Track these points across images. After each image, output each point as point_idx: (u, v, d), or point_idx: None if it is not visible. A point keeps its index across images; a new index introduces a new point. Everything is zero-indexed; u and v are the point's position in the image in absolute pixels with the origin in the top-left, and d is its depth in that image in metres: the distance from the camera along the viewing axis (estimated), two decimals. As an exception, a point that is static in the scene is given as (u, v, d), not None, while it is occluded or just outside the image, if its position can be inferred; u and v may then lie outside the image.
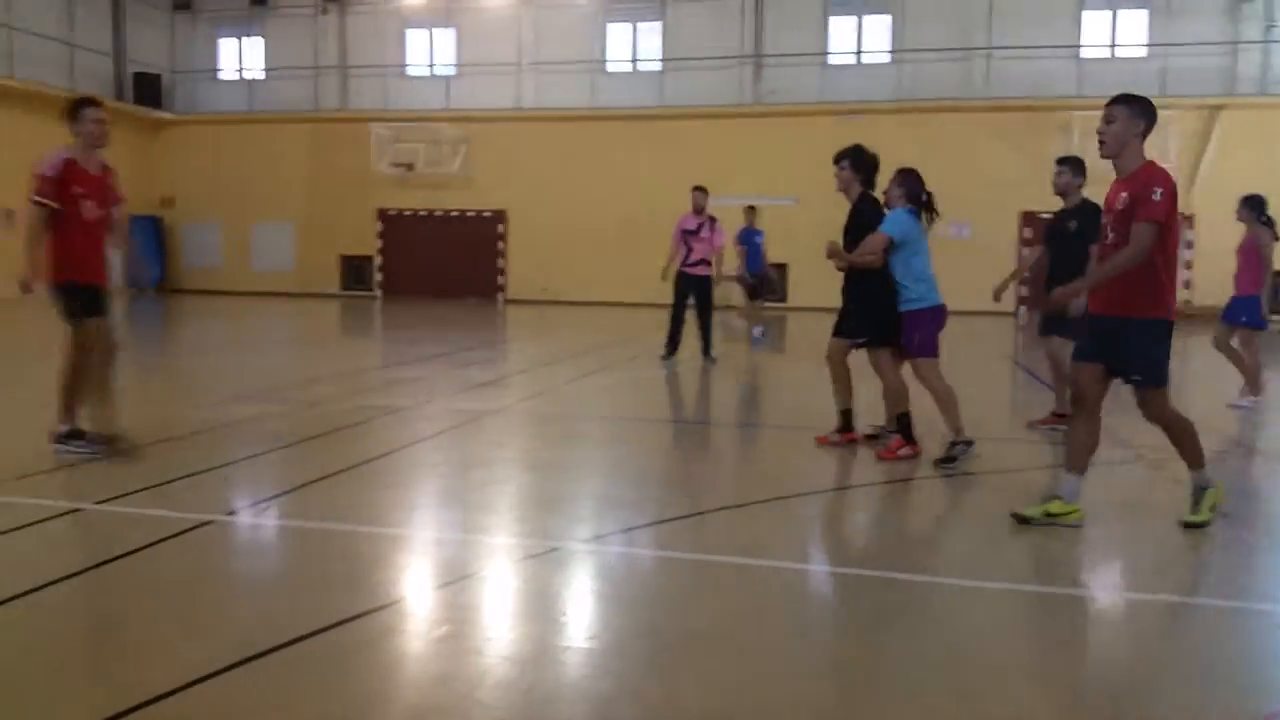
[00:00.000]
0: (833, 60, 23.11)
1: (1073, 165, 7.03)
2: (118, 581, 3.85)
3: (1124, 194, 4.49)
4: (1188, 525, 4.62)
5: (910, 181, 6.30)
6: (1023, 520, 4.64)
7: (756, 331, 14.15)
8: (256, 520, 4.80)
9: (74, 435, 5.81)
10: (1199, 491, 4.65)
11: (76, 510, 4.70)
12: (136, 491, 4.97)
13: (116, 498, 4.86)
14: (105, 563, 3.99)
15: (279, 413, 7.54)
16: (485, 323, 18.86)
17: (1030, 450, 6.78)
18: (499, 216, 24.59)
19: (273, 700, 2.83)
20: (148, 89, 25.40)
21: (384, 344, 13.41)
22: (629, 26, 24.26)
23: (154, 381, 9.98)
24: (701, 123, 23.00)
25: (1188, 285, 21.34)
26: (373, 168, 24.22)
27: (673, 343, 10.82)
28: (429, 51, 25.34)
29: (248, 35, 26.18)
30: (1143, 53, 21.59)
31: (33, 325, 11.38)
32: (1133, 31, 21.80)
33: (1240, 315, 8.73)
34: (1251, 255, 8.64)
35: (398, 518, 4.92)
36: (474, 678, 3.02)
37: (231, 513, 4.88)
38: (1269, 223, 8.67)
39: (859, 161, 6.57)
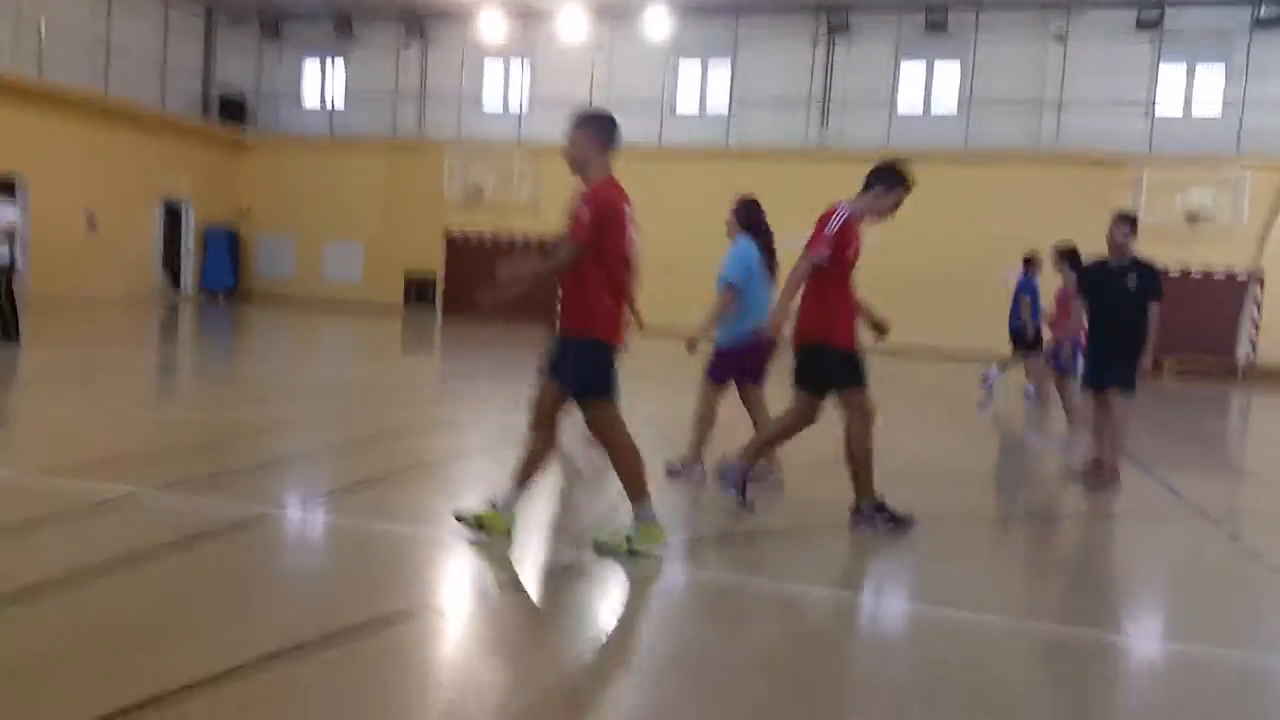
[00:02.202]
0: (901, 109, 23.18)
1: (1132, 222, 7.00)
2: (176, 567, 4.06)
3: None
4: (597, 545, 4.47)
5: (746, 212, 6.33)
6: (603, 549, 4.45)
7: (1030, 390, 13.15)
8: (308, 514, 5.01)
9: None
10: (636, 523, 4.47)
11: (131, 494, 4.95)
12: (193, 481, 5.21)
13: (174, 484, 5.11)
14: (157, 548, 4.19)
15: (336, 415, 7.79)
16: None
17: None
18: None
19: (326, 689, 2.98)
20: (233, 109, 26.53)
21: (444, 359, 13.74)
22: (699, 63, 24.65)
23: (224, 384, 10.35)
24: (768, 164, 23.18)
25: (1254, 344, 20.88)
26: (443, 192, 24.88)
27: None
28: (504, 84, 26.01)
29: (332, 58, 27.15)
30: (1217, 111, 21.30)
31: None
32: (1209, 89, 21.53)
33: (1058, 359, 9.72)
34: (1065, 303, 9.45)
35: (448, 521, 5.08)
36: (507, 686, 3.13)
37: (284, 507, 5.09)
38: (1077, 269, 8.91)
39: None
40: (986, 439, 9.92)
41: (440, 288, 25.61)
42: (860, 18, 23.04)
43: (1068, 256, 9.50)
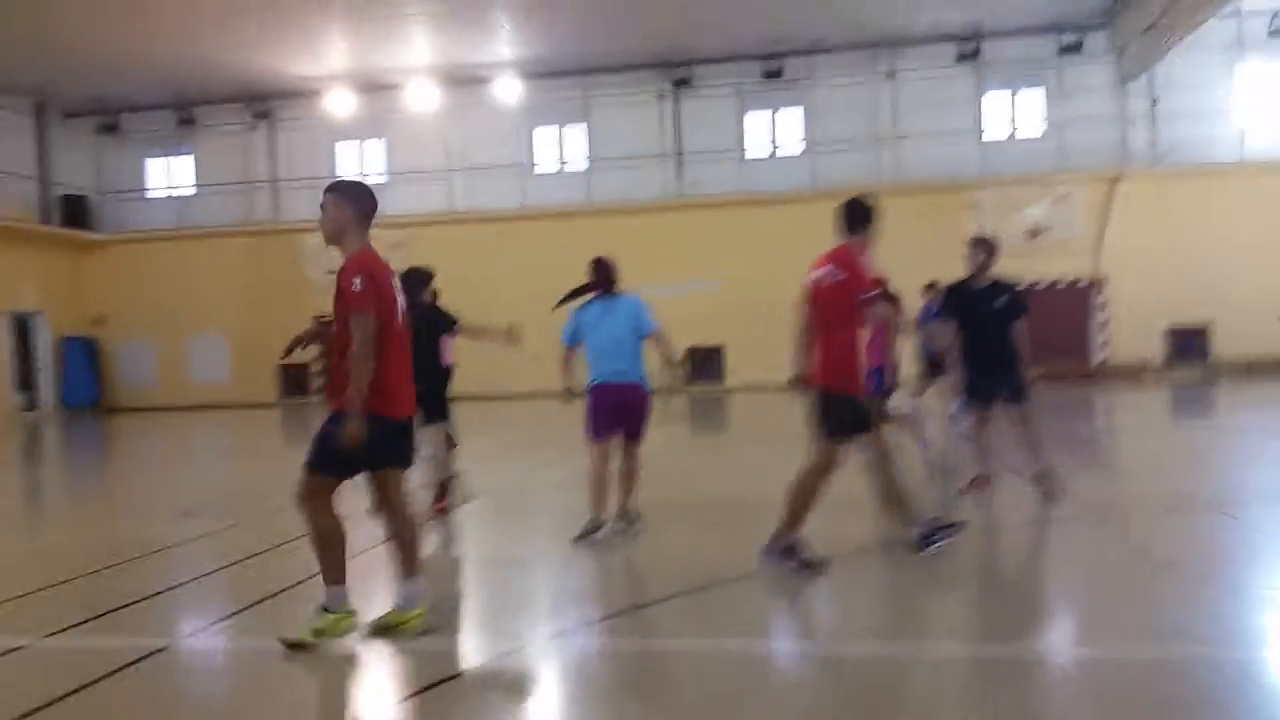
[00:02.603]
0: (749, 155, 24.05)
1: (987, 245, 7.45)
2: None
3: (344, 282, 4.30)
4: (379, 627, 4.42)
5: (597, 270, 6.87)
6: (295, 646, 4.27)
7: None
8: (210, 644, 4.78)
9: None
10: (404, 602, 4.47)
11: (17, 649, 4.59)
12: (85, 622, 4.91)
13: (64, 630, 4.80)
14: (55, 701, 3.88)
15: (224, 529, 7.47)
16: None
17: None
18: (435, 318, 24.70)
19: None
20: (75, 211, 25.35)
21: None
22: (555, 129, 25.02)
23: (96, 502, 9.78)
24: (628, 218, 23.62)
25: (1105, 345, 22.34)
26: (307, 276, 24.28)
27: None
28: (359, 159, 25.77)
29: (176, 155, 26.36)
30: (1039, 132, 22.90)
31: None
32: (1030, 112, 23.16)
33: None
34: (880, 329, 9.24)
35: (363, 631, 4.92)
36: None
37: (186, 636, 4.85)
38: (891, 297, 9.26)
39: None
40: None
41: (317, 371, 24.90)
42: (702, 70, 23.89)
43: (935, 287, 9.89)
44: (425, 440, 6.84)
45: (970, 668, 4.04)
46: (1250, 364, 20.69)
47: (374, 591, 5.05)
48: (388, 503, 4.53)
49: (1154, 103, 22.20)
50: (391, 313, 4.38)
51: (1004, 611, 4.90)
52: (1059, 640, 4.52)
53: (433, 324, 7.28)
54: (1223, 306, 21.08)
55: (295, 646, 4.27)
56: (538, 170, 24.97)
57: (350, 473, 4.40)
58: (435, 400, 7.05)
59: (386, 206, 26.77)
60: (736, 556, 5.65)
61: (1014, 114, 23.27)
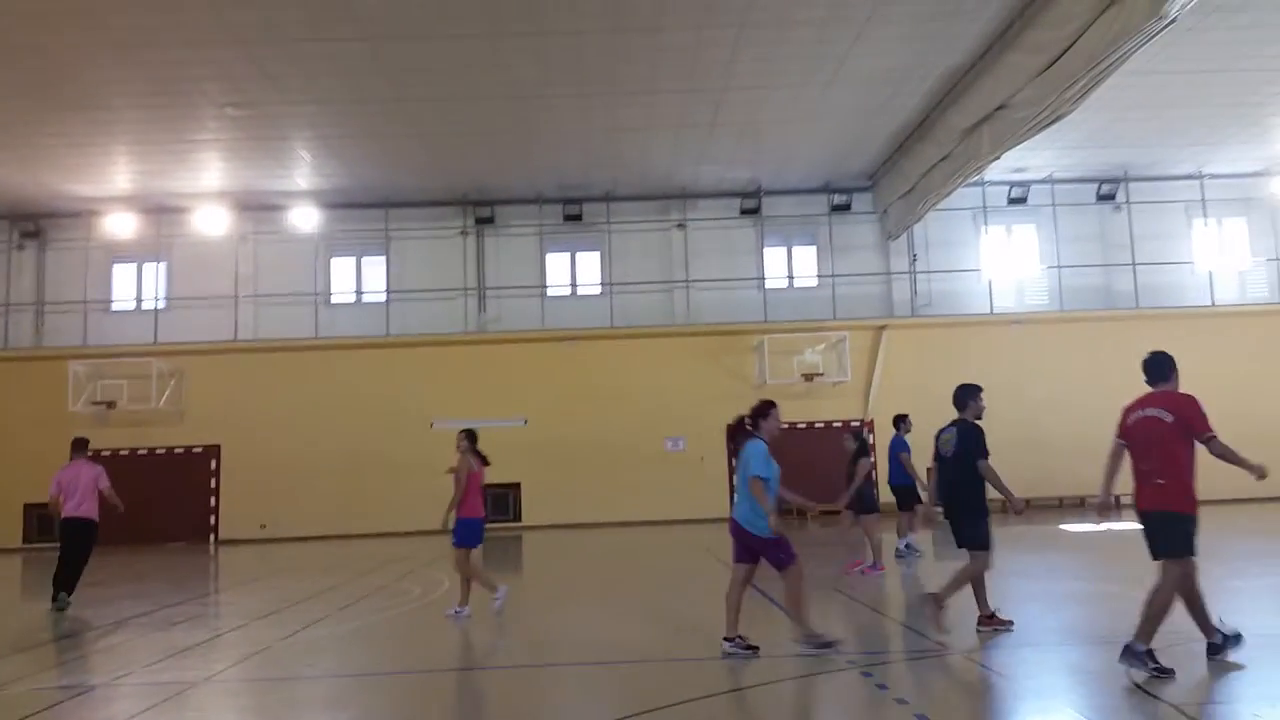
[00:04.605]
0: (551, 292, 24.64)
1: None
2: None
3: None
4: None
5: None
6: None
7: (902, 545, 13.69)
8: None
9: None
10: None
11: None
12: None
13: None
14: None
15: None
16: (195, 571, 17.54)
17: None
18: (212, 451, 23.36)
19: None
20: None
21: (73, 607, 12.06)
22: (353, 260, 24.76)
23: None
24: (427, 350, 23.49)
25: (871, 479, 23.74)
26: (68, 408, 22.48)
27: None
28: (137, 283, 24.48)
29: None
30: (814, 283, 24.78)
31: None
32: (805, 264, 25.08)
33: (462, 538, 9.74)
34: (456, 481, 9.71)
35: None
36: None
37: None
38: (480, 455, 9.88)
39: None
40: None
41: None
42: (505, 210, 24.50)
43: (470, 438, 9.92)
44: None
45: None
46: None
47: None
48: None
49: (913, 258, 24.56)
50: None
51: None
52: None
53: None
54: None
55: None
56: (335, 300, 24.51)
57: None
58: None
59: (164, 334, 25.75)
60: None
61: (791, 266, 25.09)
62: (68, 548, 11.95)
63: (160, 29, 15.04)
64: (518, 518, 22.95)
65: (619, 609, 10.55)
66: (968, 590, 7.80)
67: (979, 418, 8.03)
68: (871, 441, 23.27)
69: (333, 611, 10.73)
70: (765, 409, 7.46)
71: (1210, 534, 6.84)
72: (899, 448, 13.53)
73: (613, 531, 21.22)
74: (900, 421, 13.82)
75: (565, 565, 16.10)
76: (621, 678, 7.04)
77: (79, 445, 12.52)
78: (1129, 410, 6.58)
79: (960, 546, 7.87)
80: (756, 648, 7.13)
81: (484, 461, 9.93)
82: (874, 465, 12.90)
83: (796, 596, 7.22)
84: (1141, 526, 6.39)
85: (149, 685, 7.26)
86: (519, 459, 22.76)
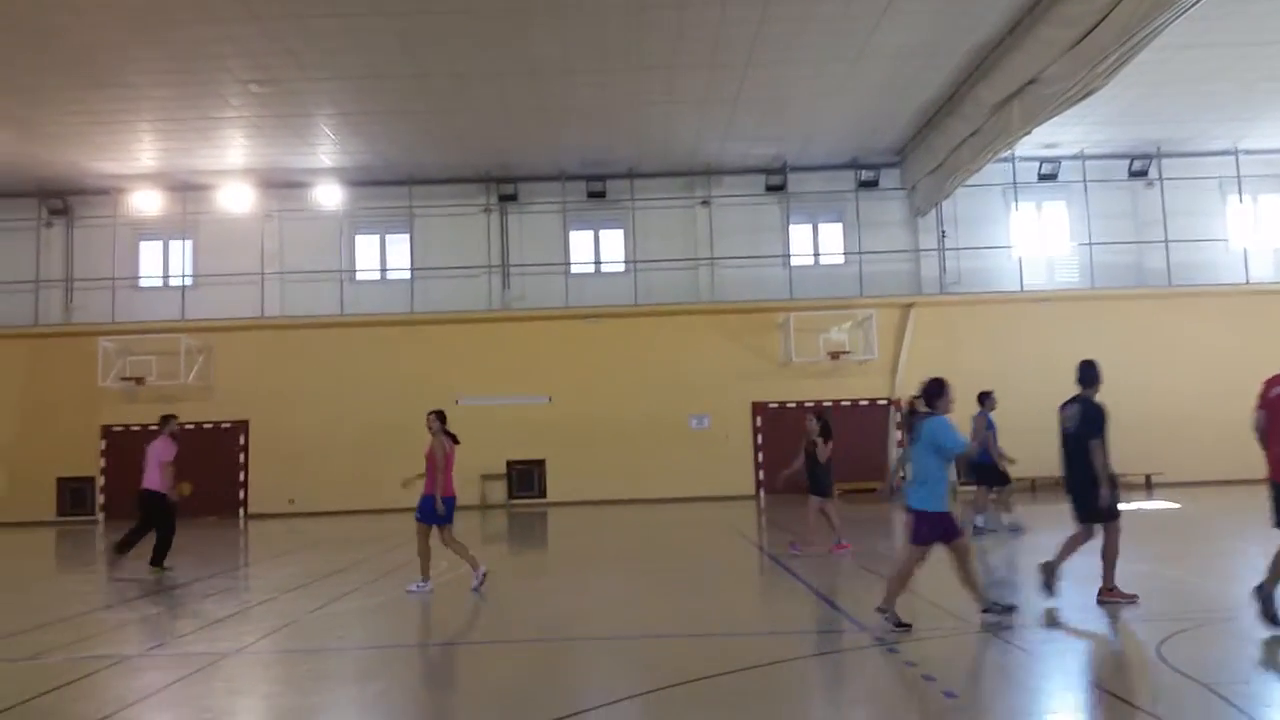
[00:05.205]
0: (575, 270, 24.60)
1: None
2: None
3: None
4: None
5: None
6: None
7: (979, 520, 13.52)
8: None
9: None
10: None
11: None
12: None
13: None
14: None
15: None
16: (225, 545, 17.74)
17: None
18: (240, 427, 23.59)
19: None
20: None
21: (106, 579, 12.26)
22: (377, 238, 24.82)
23: None
24: (451, 328, 23.55)
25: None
26: (98, 383, 22.76)
27: None
28: (163, 260, 24.69)
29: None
30: (840, 260, 24.58)
31: None
32: (831, 241, 24.87)
33: (430, 515, 9.91)
34: (430, 461, 9.90)
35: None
36: None
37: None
38: (451, 435, 10.06)
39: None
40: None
41: (100, 492, 23.10)
42: (528, 187, 24.44)
43: (440, 417, 10.14)
44: None
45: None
46: (1034, 481, 21.63)
47: None
48: None
49: (942, 235, 24.29)
50: None
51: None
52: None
53: None
54: (1004, 426, 22.75)
55: None
56: (359, 277, 24.61)
57: None
58: None
59: (191, 311, 25.91)
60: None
61: (817, 243, 24.90)
62: (140, 518, 12.80)
63: (181, 6, 15.07)
64: (543, 494, 23.04)
65: (646, 583, 10.58)
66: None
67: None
68: (897, 420, 23.33)
69: (361, 585, 10.83)
70: (939, 387, 7.46)
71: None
72: (986, 425, 13.19)
73: (637, 508, 21.27)
74: (985, 398, 13.37)
75: (590, 540, 16.16)
76: (651, 651, 7.06)
77: (161, 421, 13.29)
78: (1270, 383, 6.80)
79: (1084, 522, 8.00)
80: (910, 625, 7.12)
81: (454, 441, 10.18)
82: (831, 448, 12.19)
83: (966, 568, 7.26)
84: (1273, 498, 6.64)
85: (181, 655, 7.36)
86: (544, 436, 22.86)
